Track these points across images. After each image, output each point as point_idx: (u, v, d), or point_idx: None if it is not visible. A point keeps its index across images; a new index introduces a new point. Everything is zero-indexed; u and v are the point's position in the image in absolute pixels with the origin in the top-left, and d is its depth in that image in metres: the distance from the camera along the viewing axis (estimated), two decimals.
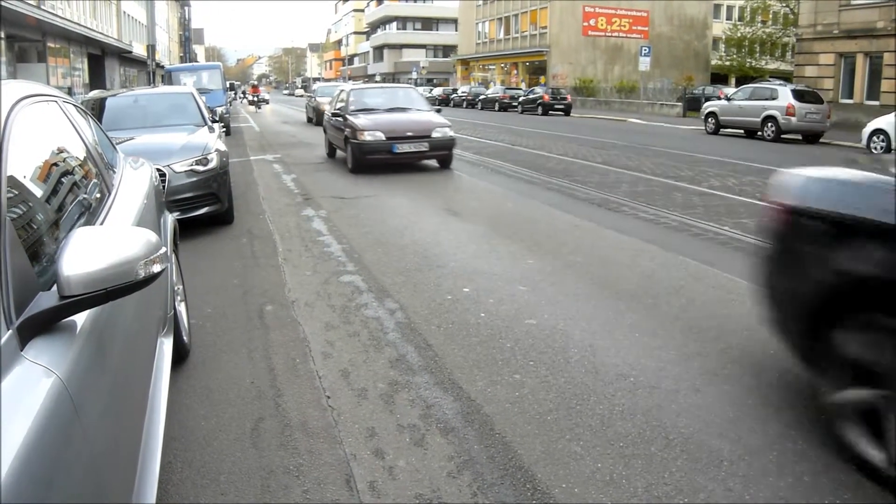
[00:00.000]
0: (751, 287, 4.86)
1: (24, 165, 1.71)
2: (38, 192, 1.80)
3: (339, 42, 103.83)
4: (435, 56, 71.09)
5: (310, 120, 23.84)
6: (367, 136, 10.71)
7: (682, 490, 2.48)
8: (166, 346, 2.80)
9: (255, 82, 55.21)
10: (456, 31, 64.01)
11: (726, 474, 2.57)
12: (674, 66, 45.08)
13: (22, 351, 1.24)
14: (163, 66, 34.75)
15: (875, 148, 16.07)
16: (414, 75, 63.15)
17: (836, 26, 24.48)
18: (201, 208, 6.54)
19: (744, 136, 20.71)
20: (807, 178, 3.09)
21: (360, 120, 11.08)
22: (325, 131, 13.69)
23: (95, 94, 9.82)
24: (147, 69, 28.53)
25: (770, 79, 31.06)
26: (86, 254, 1.37)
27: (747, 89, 21.80)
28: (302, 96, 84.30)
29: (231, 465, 2.65)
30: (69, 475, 1.19)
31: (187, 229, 6.06)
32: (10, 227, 1.38)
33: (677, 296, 4.70)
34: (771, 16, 43.23)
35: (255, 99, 38.61)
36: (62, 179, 2.08)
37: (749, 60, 45.29)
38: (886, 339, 2.46)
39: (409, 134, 10.92)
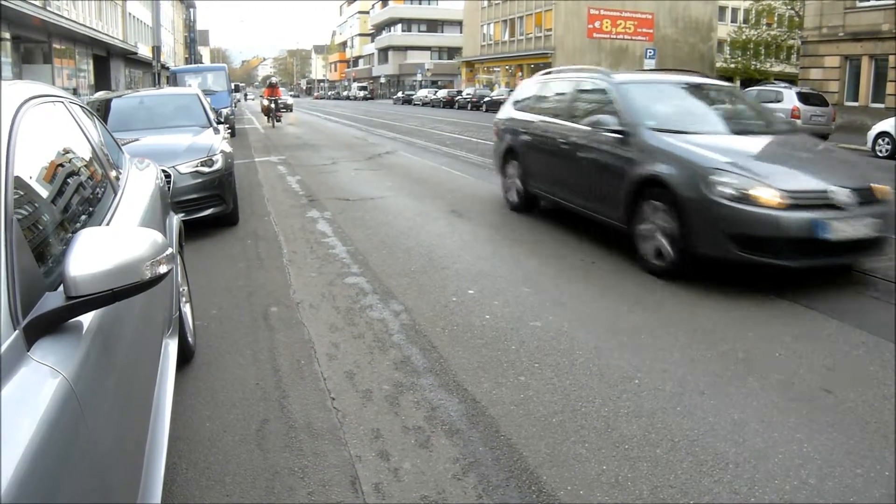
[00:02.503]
0: None
1: (31, 166, 1.71)
2: (45, 192, 1.80)
3: (344, 44, 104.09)
4: (440, 58, 71.19)
5: (525, 205, 7.67)
6: None
7: (687, 493, 2.47)
8: (171, 347, 2.80)
9: (275, 80, 32.47)
10: (461, 33, 64.05)
11: (732, 477, 2.56)
12: (678, 69, 45.04)
13: (28, 351, 1.24)
14: (168, 68, 34.91)
15: (880, 151, 16.02)
16: (419, 77, 63.23)
17: (842, 29, 24.43)
18: (206, 209, 6.55)
19: None
20: None
21: None
22: None
23: (101, 95, 9.85)
24: (152, 70, 28.69)
25: (775, 81, 30.95)
26: (92, 254, 1.37)
27: (752, 92, 21.74)
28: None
29: (236, 466, 2.65)
30: (75, 475, 1.19)
31: (192, 231, 6.07)
32: (17, 228, 1.39)
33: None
34: (776, 18, 43.13)
35: (273, 105, 24.69)
36: (68, 180, 2.08)
37: (754, 63, 45.19)
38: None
39: None
